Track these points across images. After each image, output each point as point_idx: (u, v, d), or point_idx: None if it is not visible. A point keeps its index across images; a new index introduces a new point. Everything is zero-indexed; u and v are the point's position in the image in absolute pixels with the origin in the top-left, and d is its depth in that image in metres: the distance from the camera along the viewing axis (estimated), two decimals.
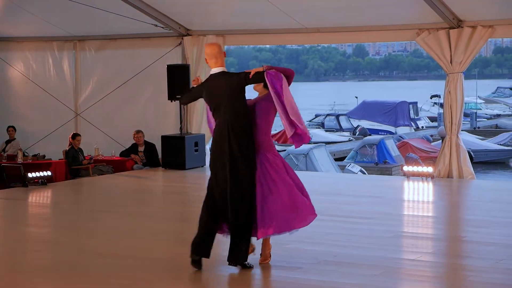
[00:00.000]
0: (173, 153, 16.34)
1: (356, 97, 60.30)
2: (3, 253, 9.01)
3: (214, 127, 7.44)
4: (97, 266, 7.92)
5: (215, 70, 7.39)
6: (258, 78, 7.19)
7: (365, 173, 27.13)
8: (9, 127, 17.78)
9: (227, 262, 7.33)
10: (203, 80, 7.60)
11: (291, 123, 7.17)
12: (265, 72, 7.12)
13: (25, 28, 18.04)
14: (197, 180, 15.15)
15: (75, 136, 16.25)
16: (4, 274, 7.86)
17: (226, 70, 7.39)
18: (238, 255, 7.28)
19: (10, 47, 18.75)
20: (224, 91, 7.24)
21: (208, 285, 7.31)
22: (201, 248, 7.26)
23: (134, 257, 7.72)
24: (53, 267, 8.03)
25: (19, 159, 15.68)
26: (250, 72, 7.21)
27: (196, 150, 16.50)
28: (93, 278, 7.43)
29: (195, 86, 7.63)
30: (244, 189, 7.18)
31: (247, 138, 7.21)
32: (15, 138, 17.66)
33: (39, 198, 13.57)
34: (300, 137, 7.28)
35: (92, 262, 8.12)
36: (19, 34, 18.42)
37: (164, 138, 16.50)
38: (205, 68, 16.73)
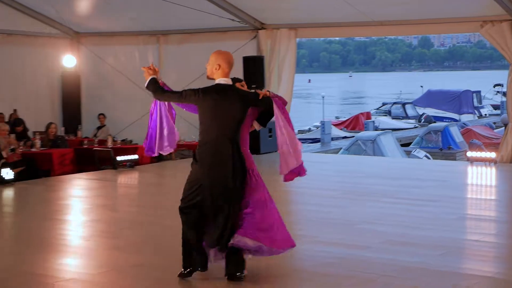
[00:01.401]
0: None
1: (422, 86, 59.48)
2: (98, 231, 9.25)
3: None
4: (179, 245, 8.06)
5: (225, 80, 6.50)
6: (266, 102, 6.53)
7: (430, 158, 26.76)
8: (99, 114, 18.13)
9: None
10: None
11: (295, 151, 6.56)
12: (272, 99, 6.53)
13: (114, 24, 18.38)
14: (271, 164, 15.21)
15: None
16: (99, 251, 8.10)
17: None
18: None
19: (101, 41, 19.12)
20: (236, 106, 6.43)
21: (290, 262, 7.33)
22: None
23: None
24: (140, 245, 8.22)
25: (109, 144, 15.94)
26: (259, 94, 6.53)
27: (269, 136, 16.58)
28: (175, 256, 7.55)
29: (154, 76, 6.61)
30: (236, 205, 6.45)
31: (242, 154, 6.59)
32: (105, 125, 17.98)
33: (127, 180, 13.86)
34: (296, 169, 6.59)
35: (175, 240, 8.26)
36: (109, 30, 18.78)
37: None
38: (278, 59, 16.80)
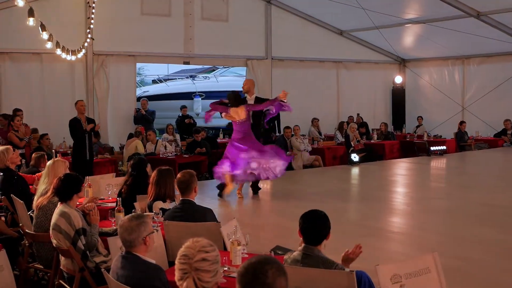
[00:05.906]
0: None
1: None
2: (412, 198, 9.36)
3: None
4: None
5: None
6: None
7: None
8: (418, 117, 17.89)
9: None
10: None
11: None
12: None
13: (429, 52, 18.14)
14: None
15: (462, 123, 16.14)
16: (415, 212, 8.26)
17: None
18: None
19: (420, 64, 18.97)
20: None
21: None
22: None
23: None
24: (445, 210, 8.31)
25: (425, 138, 15.81)
26: None
27: None
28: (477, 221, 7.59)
29: None
30: None
31: None
32: (422, 124, 17.48)
33: (437, 164, 13.67)
34: None
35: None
36: (426, 56, 18.57)
37: None
38: None
